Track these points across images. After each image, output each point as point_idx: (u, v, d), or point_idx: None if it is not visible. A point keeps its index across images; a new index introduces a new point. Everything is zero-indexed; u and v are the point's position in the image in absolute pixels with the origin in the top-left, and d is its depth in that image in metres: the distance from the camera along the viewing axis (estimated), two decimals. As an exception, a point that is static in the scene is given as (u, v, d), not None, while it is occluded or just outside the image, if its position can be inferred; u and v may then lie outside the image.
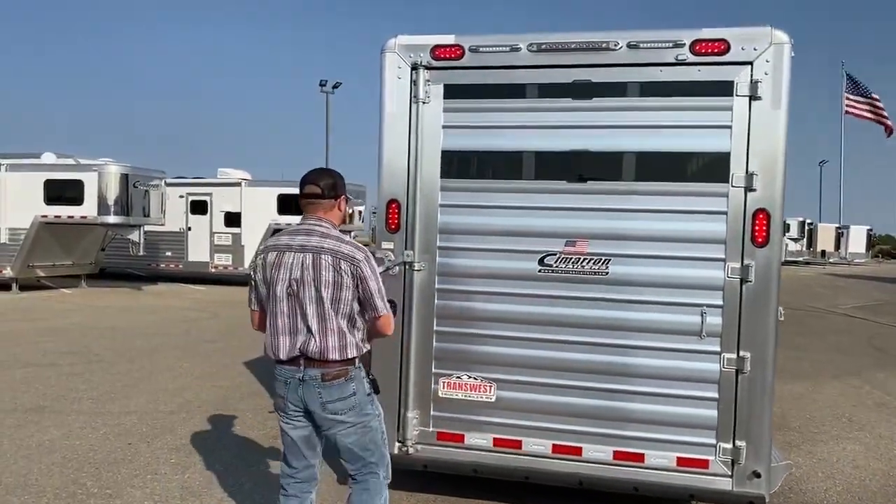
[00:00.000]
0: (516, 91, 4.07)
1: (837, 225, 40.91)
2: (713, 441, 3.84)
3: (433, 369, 4.19)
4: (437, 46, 4.11)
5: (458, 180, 4.16)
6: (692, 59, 3.79)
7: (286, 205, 18.82)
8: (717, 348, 3.82)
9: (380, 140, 4.22)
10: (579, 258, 3.96)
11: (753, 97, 3.72)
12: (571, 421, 4.01)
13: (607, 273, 3.93)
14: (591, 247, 3.95)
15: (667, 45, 3.82)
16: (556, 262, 4.00)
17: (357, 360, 3.02)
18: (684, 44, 3.80)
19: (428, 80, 4.10)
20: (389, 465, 3.23)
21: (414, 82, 4.12)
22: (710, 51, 3.77)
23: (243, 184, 19.70)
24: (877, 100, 34.21)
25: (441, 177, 4.15)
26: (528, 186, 4.07)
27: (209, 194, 19.86)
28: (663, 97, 3.86)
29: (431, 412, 4.19)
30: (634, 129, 3.91)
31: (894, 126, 34.67)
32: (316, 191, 3.03)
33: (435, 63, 4.11)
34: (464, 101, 4.12)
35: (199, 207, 19.83)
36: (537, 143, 4.07)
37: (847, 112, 35.16)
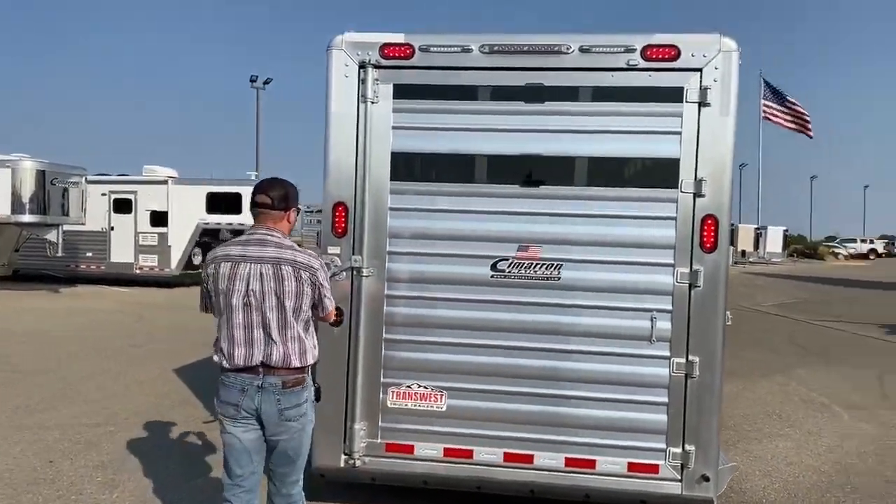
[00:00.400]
0: (468, 93, 4.00)
1: (756, 226, 42.66)
2: (663, 446, 3.86)
3: (382, 379, 4.06)
4: (386, 45, 3.99)
5: (408, 183, 4.05)
6: (643, 64, 3.79)
7: (215, 204, 18.26)
8: (667, 353, 3.84)
9: (326, 140, 4.07)
10: (532, 263, 3.92)
11: (703, 104, 3.75)
12: (523, 428, 3.96)
13: (559, 278, 3.90)
14: (543, 252, 3.91)
15: (618, 49, 3.81)
16: (508, 267, 3.94)
17: (307, 369, 3.12)
18: (636, 49, 3.79)
19: (377, 80, 3.97)
20: None
21: (362, 81, 3.98)
22: (660, 56, 3.78)
23: (170, 181, 18.97)
24: (794, 104, 35.65)
25: (391, 179, 4.01)
26: (481, 190, 4.00)
27: (134, 192, 19.04)
28: (615, 102, 3.86)
29: (380, 423, 4.06)
30: (586, 133, 3.89)
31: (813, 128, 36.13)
32: (266, 201, 3.07)
33: (384, 62, 3.99)
34: (414, 102, 4.01)
35: (122, 206, 18.99)
36: (490, 146, 4.00)
37: (765, 118, 36.62)
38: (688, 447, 3.84)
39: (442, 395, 4.01)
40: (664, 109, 3.80)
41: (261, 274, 2.96)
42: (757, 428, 6.52)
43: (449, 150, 4.02)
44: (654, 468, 3.86)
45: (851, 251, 57.19)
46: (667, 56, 3.77)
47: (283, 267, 2.97)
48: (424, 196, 4.04)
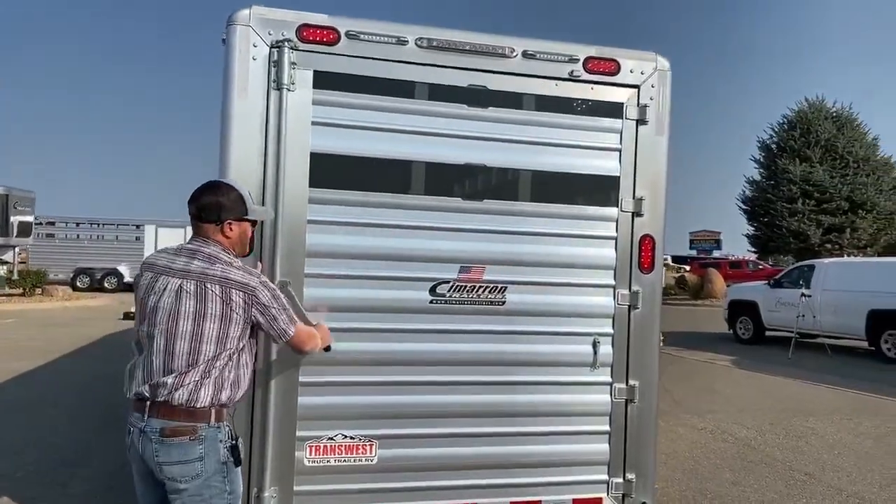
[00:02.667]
0: (404, 89, 3.44)
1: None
2: (606, 477, 3.67)
3: (297, 432, 3.30)
4: (305, 26, 3.31)
5: (331, 191, 3.36)
6: (585, 76, 3.62)
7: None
8: (609, 378, 3.66)
9: (223, 136, 3.24)
10: (475, 286, 3.48)
11: (640, 121, 3.68)
12: (465, 475, 3.49)
13: (504, 302, 3.52)
14: (487, 273, 3.49)
15: (563, 58, 3.59)
16: (449, 290, 3.45)
17: (214, 417, 2.51)
18: (579, 59, 3.61)
19: (294, 63, 3.27)
20: None
21: (275, 63, 3.24)
22: (601, 69, 3.64)
23: None
24: None
25: (310, 185, 3.31)
26: (419, 202, 3.47)
27: None
28: (559, 113, 3.61)
29: (295, 487, 3.28)
30: (531, 145, 3.57)
31: None
32: (193, 211, 2.63)
33: (301, 45, 3.30)
34: (339, 95, 3.36)
35: None
36: (428, 152, 3.48)
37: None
38: (629, 476, 3.68)
39: (371, 446, 3.37)
40: (606, 125, 3.65)
41: (180, 290, 2.47)
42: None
43: (381, 154, 3.41)
44: (597, 501, 3.64)
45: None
46: (607, 70, 3.65)
47: (208, 286, 2.48)
48: (351, 207, 3.38)
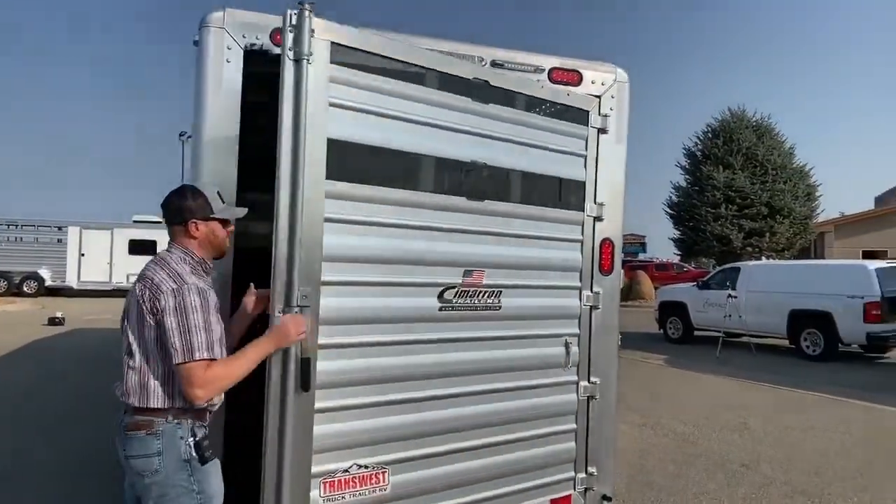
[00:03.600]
0: (416, 75, 3.21)
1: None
2: (572, 473, 3.78)
3: (312, 468, 2.88)
4: (278, 30, 3.28)
5: (349, 185, 2.97)
6: (550, 86, 3.76)
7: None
8: (576, 378, 3.80)
9: (197, 140, 3.19)
10: (476, 291, 3.38)
11: (602, 130, 3.85)
12: (467, 490, 3.38)
13: (500, 307, 3.46)
14: (486, 277, 3.40)
15: (528, 68, 3.72)
16: (455, 296, 3.30)
17: (172, 414, 2.48)
18: (544, 69, 3.75)
19: (313, 31, 2.82)
20: None
21: (293, 28, 2.81)
22: (566, 80, 3.80)
23: None
24: None
25: (326, 178, 2.87)
26: (430, 201, 3.26)
27: None
28: (546, 116, 3.66)
29: None
30: (521, 146, 3.55)
31: None
32: (164, 215, 2.72)
33: (276, 49, 3.30)
34: (357, 74, 3.02)
35: None
36: (438, 147, 3.27)
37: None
38: (591, 469, 3.83)
39: (384, 473, 3.08)
40: (578, 131, 3.75)
41: (135, 292, 2.52)
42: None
43: (398, 146, 3.14)
44: (567, 499, 3.76)
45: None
46: (571, 81, 3.80)
47: (137, 285, 2.53)
48: (367, 205, 3.04)
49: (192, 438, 2.49)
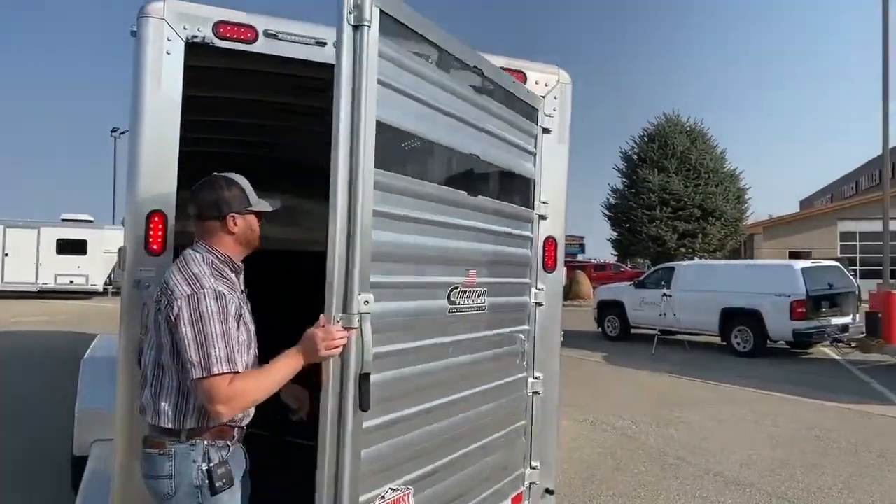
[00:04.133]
0: (444, 60, 3.01)
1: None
2: (522, 470, 3.80)
3: (360, 496, 2.48)
4: (222, 22, 3.23)
5: (395, 175, 2.66)
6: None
7: None
8: (526, 374, 3.83)
9: (134, 133, 3.06)
10: (472, 291, 3.26)
11: (545, 129, 3.91)
12: (467, 499, 3.26)
13: (485, 307, 3.36)
14: (476, 276, 3.28)
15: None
16: (458, 297, 3.11)
17: (185, 435, 2.25)
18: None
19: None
20: None
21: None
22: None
23: None
24: None
25: (375, 166, 2.48)
26: (448, 196, 3.08)
27: None
28: (515, 112, 3.63)
29: None
30: (503, 141, 3.50)
31: None
32: (193, 211, 2.44)
33: (218, 42, 3.24)
34: (402, 54, 2.72)
35: None
36: (452, 138, 3.10)
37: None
38: (534, 464, 3.88)
39: (408, 494, 2.79)
40: (530, 128, 3.79)
41: (153, 297, 2.35)
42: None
43: (436, 138, 2.96)
44: (520, 496, 3.78)
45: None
46: (516, 81, 3.84)
47: (162, 293, 2.27)
48: (412, 199, 2.78)
49: (205, 464, 2.25)
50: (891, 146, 17.64)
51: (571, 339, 16.15)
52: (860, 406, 8.95)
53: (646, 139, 33.21)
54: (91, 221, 28.25)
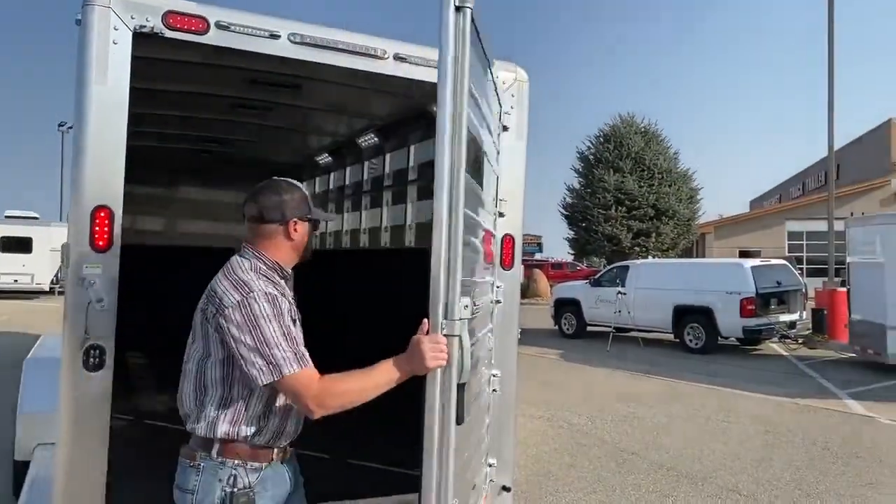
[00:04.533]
0: None
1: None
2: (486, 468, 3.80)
3: None
4: (171, 12, 3.14)
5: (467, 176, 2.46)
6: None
7: None
8: (488, 372, 3.82)
9: (79, 125, 2.96)
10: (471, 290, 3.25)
11: (504, 127, 3.91)
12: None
13: (478, 304, 3.20)
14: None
15: (433, 64, 3.71)
16: (476, 296, 3.15)
17: (216, 451, 2.15)
18: (448, 65, 3.75)
19: None
20: None
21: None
22: (469, 77, 3.81)
23: None
24: None
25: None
26: (476, 192, 3.06)
27: None
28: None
29: None
30: (489, 133, 3.41)
31: None
32: (253, 212, 2.30)
33: (168, 33, 3.15)
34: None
35: None
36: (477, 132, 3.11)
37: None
38: (491, 460, 3.87)
39: None
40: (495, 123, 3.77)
41: (199, 304, 2.21)
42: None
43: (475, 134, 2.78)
44: (485, 496, 3.76)
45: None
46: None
47: (209, 301, 2.17)
48: (473, 198, 2.76)
49: (229, 487, 2.12)
50: (836, 148, 18.21)
51: (529, 336, 16.34)
52: (806, 401, 9.22)
53: (602, 140, 33.64)
54: (37, 218, 27.36)
